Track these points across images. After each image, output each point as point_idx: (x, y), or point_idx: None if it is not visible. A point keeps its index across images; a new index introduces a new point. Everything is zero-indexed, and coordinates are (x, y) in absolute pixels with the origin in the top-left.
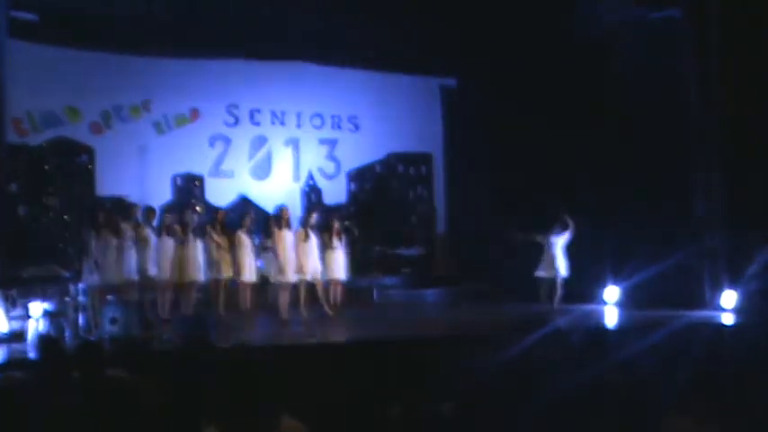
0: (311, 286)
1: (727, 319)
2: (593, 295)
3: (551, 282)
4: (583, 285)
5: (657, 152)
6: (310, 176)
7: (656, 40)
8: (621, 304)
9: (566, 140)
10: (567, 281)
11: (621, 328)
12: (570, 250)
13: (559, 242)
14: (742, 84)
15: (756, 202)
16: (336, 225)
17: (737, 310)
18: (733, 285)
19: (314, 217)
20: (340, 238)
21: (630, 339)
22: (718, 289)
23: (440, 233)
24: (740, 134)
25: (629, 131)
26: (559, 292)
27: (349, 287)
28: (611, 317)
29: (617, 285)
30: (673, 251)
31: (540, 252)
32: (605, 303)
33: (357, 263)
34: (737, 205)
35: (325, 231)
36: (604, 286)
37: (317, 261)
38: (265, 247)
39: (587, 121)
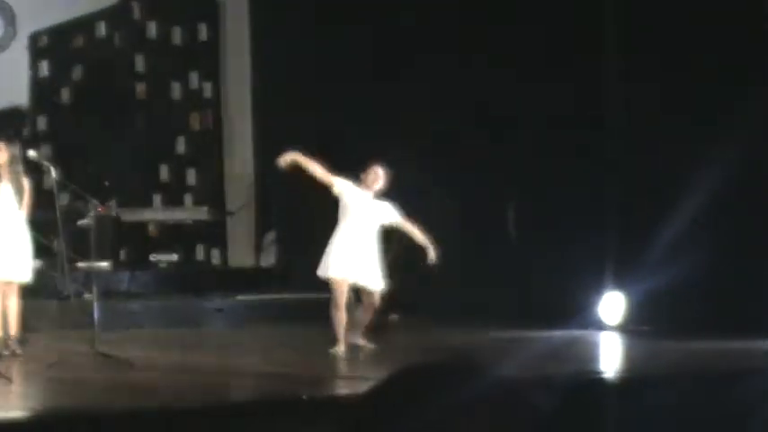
0: None
1: None
2: (577, 312)
3: (369, 296)
4: (561, 295)
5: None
6: None
7: None
8: (632, 328)
9: None
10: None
11: (634, 378)
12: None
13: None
14: None
15: None
16: (5, 155)
17: None
18: None
19: None
20: (16, 189)
21: (653, 399)
22: None
23: (238, 176)
24: None
25: None
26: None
27: (34, 294)
28: (611, 353)
29: (623, 293)
30: (729, 236)
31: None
32: (600, 326)
33: (48, 241)
34: None
35: None
36: (599, 297)
37: None
38: None
39: None
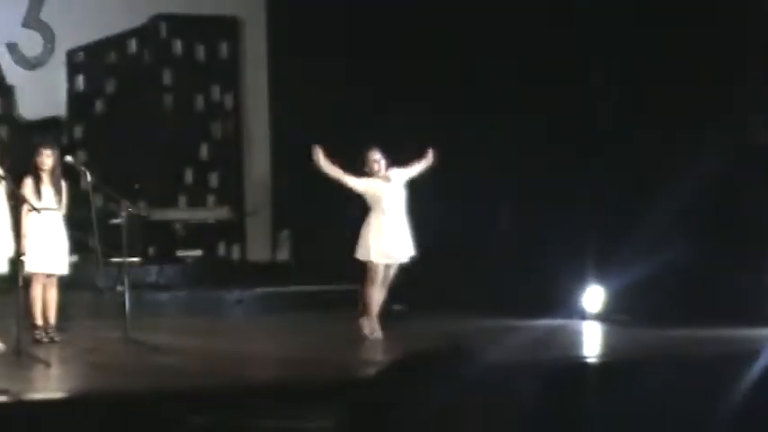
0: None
1: None
2: (561, 303)
3: (387, 272)
4: (545, 287)
5: None
6: None
7: None
8: (613, 317)
9: None
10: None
11: (617, 362)
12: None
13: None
14: None
15: None
16: (47, 163)
17: None
18: None
19: None
20: (56, 191)
21: (637, 383)
22: None
23: (255, 180)
24: None
25: None
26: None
27: (71, 286)
28: (594, 341)
29: (602, 285)
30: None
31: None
32: (583, 316)
33: (84, 238)
34: None
35: (20, 178)
36: (582, 288)
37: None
38: None
39: None
